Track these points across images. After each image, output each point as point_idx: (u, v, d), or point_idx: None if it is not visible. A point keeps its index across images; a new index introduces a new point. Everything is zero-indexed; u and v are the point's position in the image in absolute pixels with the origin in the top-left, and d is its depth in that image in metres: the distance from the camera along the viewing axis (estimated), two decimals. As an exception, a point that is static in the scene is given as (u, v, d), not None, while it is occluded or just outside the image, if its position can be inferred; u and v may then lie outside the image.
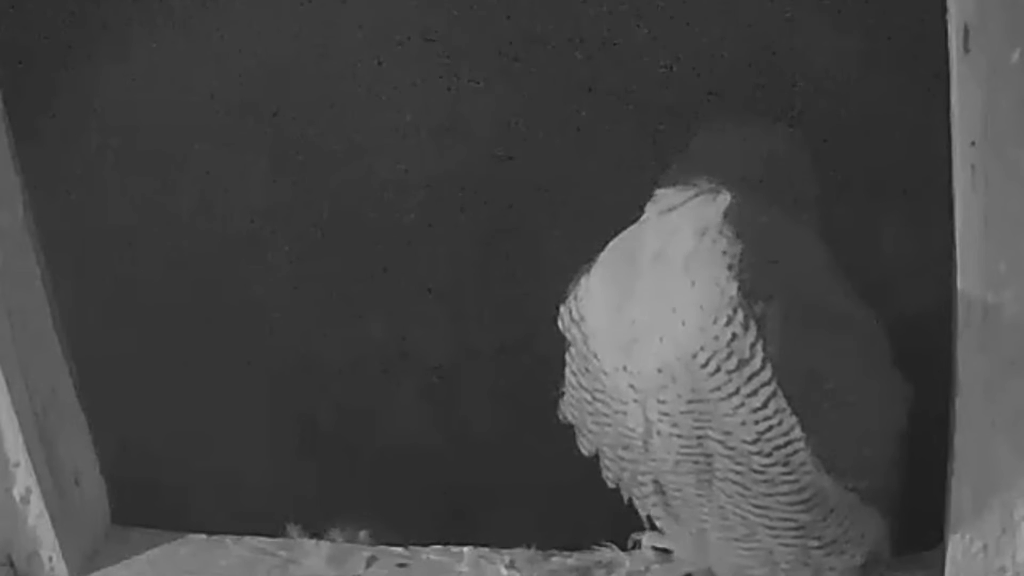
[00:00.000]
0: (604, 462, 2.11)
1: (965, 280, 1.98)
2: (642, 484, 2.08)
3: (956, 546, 2.14)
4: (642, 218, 2.00)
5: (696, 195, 1.94)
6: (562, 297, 2.05)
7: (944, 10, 1.91)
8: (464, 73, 2.27)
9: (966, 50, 1.87)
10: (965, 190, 1.94)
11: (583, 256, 2.08)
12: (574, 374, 2.05)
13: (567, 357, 2.06)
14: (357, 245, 2.42)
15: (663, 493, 2.07)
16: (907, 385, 2.06)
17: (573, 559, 2.41)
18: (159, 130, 2.38)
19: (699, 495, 2.02)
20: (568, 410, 2.11)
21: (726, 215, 1.91)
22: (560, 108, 2.27)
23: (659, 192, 1.99)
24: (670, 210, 1.95)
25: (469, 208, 2.36)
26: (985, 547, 2.13)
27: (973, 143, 1.91)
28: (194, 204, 2.43)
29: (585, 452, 2.12)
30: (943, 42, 1.91)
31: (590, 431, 2.08)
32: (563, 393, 2.10)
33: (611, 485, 2.13)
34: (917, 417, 2.08)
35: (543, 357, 2.30)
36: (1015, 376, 2.01)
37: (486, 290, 2.42)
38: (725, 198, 1.91)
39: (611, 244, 2.01)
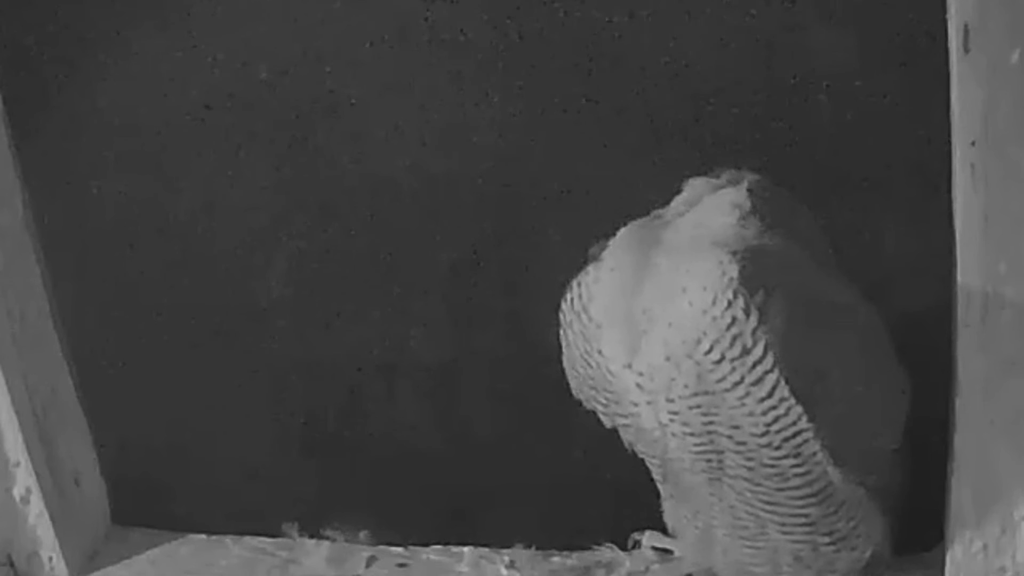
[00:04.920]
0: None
1: (965, 280, 1.98)
2: (655, 466, 2.08)
3: (956, 546, 2.14)
4: (665, 209, 2.01)
5: (723, 184, 1.96)
6: (563, 296, 2.05)
7: (944, 10, 1.91)
8: (465, 74, 2.27)
9: (966, 50, 1.87)
10: (965, 190, 1.94)
11: (583, 257, 2.08)
12: (574, 367, 2.04)
13: (563, 347, 2.04)
14: (357, 245, 2.42)
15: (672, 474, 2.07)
16: (907, 378, 2.06)
17: (573, 559, 2.41)
18: (159, 130, 2.38)
19: (711, 494, 2.02)
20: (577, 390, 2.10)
21: (748, 199, 1.93)
22: (561, 109, 2.26)
23: (689, 183, 2.00)
24: (697, 202, 1.97)
25: (469, 209, 2.36)
26: (985, 547, 2.13)
27: (973, 143, 1.91)
28: (194, 204, 2.43)
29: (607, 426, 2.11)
30: (943, 42, 1.92)
31: (604, 414, 2.07)
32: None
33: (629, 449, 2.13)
34: (917, 417, 2.08)
35: (543, 357, 2.30)
36: (1015, 376, 2.02)
37: (486, 291, 2.42)
38: (747, 183, 1.93)
39: (623, 231, 2.00)
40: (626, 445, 2.11)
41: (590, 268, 2.00)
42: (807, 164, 2.20)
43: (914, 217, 2.18)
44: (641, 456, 2.11)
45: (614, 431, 2.10)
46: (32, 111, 2.37)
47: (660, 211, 2.02)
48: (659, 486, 2.16)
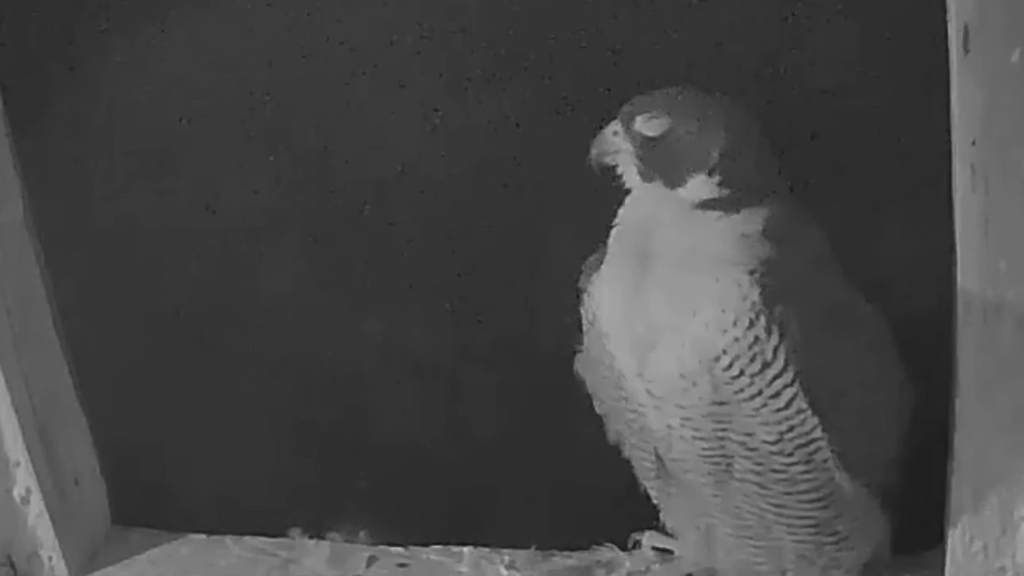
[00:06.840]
0: (608, 425, 2.11)
1: (965, 280, 1.98)
2: (650, 467, 2.08)
3: (956, 546, 2.14)
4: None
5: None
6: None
7: (944, 10, 1.91)
8: (465, 72, 2.27)
9: (966, 50, 1.87)
10: (965, 190, 1.94)
11: (584, 256, 2.08)
12: (589, 365, 2.04)
13: (584, 345, 2.06)
14: (357, 245, 2.42)
15: (667, 473, 2.07)
16: (909, 381, 2.06)
17: (573, 559, 2.41)
18: (159, 129, 2.37)
19: (714, 495, 2.02)
20: (582, 370, 2.10)
21: (759, 217, 1.91)
22: (561, 108, 2.26)
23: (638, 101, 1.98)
24: (700, 206, 1.94)
25: (469, 208, 2.36)
26: (985, 547, 2.13)
27: (973, 143, 1.91)
28: (194, 204, 2.43)
29: (599, 411, 2.12)
30: (943, 42, 1.92)
31: (602, 402, 2.08)
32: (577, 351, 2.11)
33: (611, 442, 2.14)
34: (917, 417, 2.08)
35: (544, 356, 2.30)
36: (1015, 376, 2.02)
37: (486, 290, 2.42)
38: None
39: (617, 234, 2.00)
40: (611, 439, 2.12)
41: (593, 276, 2.01)
42: (808, 164, 2.20)
43: (914, 217, 2.18)
44: (631, 455, 2.12)
45: (613, 430, 2.12)
46: (32, 111, 2.37)
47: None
48: (651, 491, 2.16)
